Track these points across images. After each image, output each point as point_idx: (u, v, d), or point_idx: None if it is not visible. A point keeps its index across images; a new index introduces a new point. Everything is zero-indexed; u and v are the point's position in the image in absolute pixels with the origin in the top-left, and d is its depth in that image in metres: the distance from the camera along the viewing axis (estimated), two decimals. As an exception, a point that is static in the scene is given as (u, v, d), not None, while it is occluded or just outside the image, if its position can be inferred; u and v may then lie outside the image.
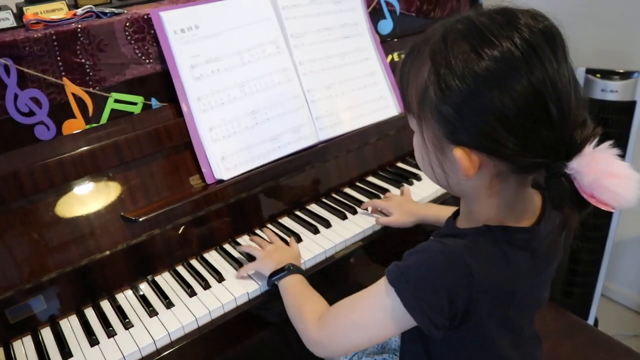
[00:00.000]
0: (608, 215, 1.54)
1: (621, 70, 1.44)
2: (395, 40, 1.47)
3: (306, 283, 0.93)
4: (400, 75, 0.68)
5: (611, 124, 1.46)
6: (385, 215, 1.16)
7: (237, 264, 1.06)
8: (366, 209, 1.20)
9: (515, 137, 0.58)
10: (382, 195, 1.25)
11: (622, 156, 1.55)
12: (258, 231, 1.18)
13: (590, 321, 1.71)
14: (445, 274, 0.64)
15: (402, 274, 0.66)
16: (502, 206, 0.68)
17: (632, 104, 1.43)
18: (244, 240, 1.16)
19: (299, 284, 0.93)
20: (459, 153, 0.61)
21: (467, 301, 0.64)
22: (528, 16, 0.59)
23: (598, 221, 1.56)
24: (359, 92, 1.33)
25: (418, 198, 1.24)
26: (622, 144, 1.46)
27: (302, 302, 0.87)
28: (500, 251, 0.66)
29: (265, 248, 1.05)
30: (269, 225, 1.19)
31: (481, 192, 0.67)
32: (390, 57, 1.43)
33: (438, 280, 0.64)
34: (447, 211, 1.06)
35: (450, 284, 0.63)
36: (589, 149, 0.57)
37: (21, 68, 0.95)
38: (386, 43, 1.43)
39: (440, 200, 1.26)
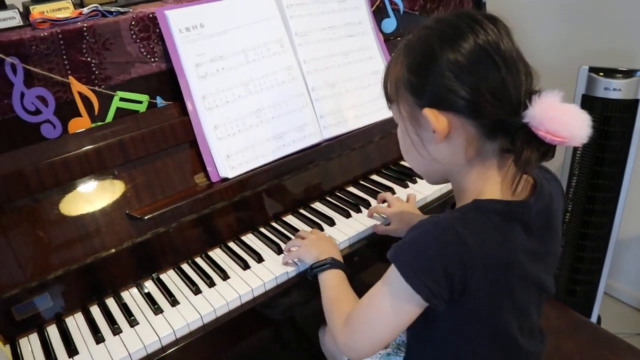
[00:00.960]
0: (611, 213, 1.54)
1: (624, 69, 1.44)
2: (399, 38, 1.47)
3: (345, 280, 0.95)
4: (383, 77, 0.79)
5: (614, 122, 1.46)
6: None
7: (241, 261, 1.06)
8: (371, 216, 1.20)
9: (469, 88, 0.67)
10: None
11: (625, 154, 1.54)
12: (262, 229, 1.18)
13: (593, 319, 1.72)
14: (439, 244, 0.68)
15: (400, 249, 0.71)
16: (486, 179, 0.73)
17: (635, 102, 1.43)
18: (248, 238, 1.16)
19: (338, 281, 0.94)
20: (427, 112, 0.70)
21: (463, 270, 0.67)
22: (483, 15, 0.71)
23: (601, 219, 1.56)
24: (363, 90, 1.33)
25: (420, 197, 1.24)
26: (625, 142, 1.46)
27: (335, 301, 0.89)
28: (491, 222, 0.70)
29: (308, 237, 1.07)
30: (273, 223, 1.20)
31: (461, 163, 0.73)
32: (393, 55, 1.43)
33: (432, 250, 0.68)
34: None
35: (444, 254, 0.67)
36: (536, 97, 0.66)
37: (28, 67, 0.96)
38: (390, 42, 1.43)
39: (441, 201, 1.26)
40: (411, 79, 0.72)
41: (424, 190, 1.27)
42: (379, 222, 1.16)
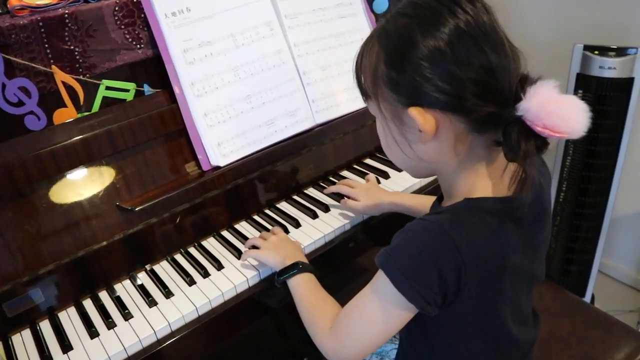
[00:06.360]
0: (605, 192, 1.54)
1: (619, 47, 1.42)
2: (391, 19, 1.44)
3: (317, 283, 0.91)
4: (355, 69, 0.73)
5: (609, 101, 1.45)
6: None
7: (235, 251, 1.05)
8: (330, 194, 1.19)
9: (454, 82, 0.62)
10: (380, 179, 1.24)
11: (620, 133, 1.53)
12: (256, 217, 1.17)
13: (587, 298, 1.73)
14: (431, 249, 0.65)
15: (390, 256, 0.68)
16: (476, 176, 0.70)
17: (630, 81, 1.42)
18: (241, 226, 1.15)
19: (309, 285, 0.90)
20: (413, 112, 0.65)
21: (456, 274, 0.65)
22: None
23: (595, 199, 1.56)
24: (355, 73, 1.31)
25: (408, 184, 1.23)
26: (620, 121, 1.45)
27: (314, 307, 0.85)
28: (483, 222, 0.67)
29: (269, 239, 1.02)
30: (267, 211, 1.18)
31: (450, 161, 0.69)
32: (386, 36, 1.40)
33: (425, 256, 0.65)
34: (420, 200, 1.06)
35: (437, 259, 0.65)
36: (531, 88, 0.61)
37: (8, 56, 0.93)
38: (381, 22, 1.40)
39: (429, 189, 1.24)
40: (391, 74, 0.66)
41: (410, 178, 1.25)
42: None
